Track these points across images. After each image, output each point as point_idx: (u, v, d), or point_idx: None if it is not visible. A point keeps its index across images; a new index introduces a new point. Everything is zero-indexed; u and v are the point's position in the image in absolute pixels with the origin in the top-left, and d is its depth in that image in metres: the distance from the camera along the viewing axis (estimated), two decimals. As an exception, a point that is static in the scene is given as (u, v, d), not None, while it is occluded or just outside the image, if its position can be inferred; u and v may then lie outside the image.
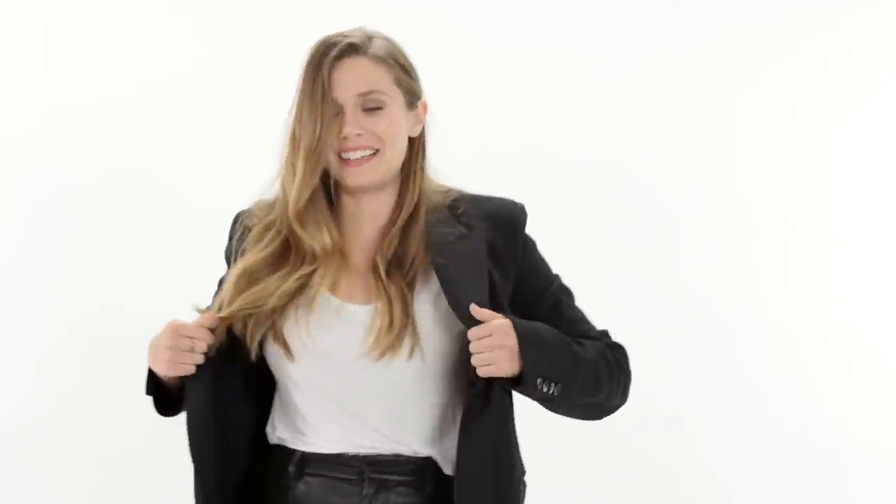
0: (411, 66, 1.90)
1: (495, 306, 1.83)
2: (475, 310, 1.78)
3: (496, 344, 1.77)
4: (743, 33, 3.48)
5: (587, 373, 1.85)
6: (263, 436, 1.92)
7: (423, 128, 1.92)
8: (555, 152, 3.45)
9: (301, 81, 1.83)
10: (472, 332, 1.78)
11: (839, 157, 3.50)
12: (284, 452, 1.88)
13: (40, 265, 3.33)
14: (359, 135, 1.82)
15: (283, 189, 1.85)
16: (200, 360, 1.82)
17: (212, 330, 1.83)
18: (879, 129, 3.49)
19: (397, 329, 1.81)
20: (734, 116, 3.49)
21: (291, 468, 1.87)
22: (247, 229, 1.90)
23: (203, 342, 1.81)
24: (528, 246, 1.94)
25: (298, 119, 1.83)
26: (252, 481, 1.90)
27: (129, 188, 3.35)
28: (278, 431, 1.90)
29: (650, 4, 3.48)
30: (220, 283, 1.97)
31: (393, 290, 1.84)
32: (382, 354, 1.81)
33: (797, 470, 3.43)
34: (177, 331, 1.81)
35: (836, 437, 3.44)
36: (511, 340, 1.78)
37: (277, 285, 1.83)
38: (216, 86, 3.38)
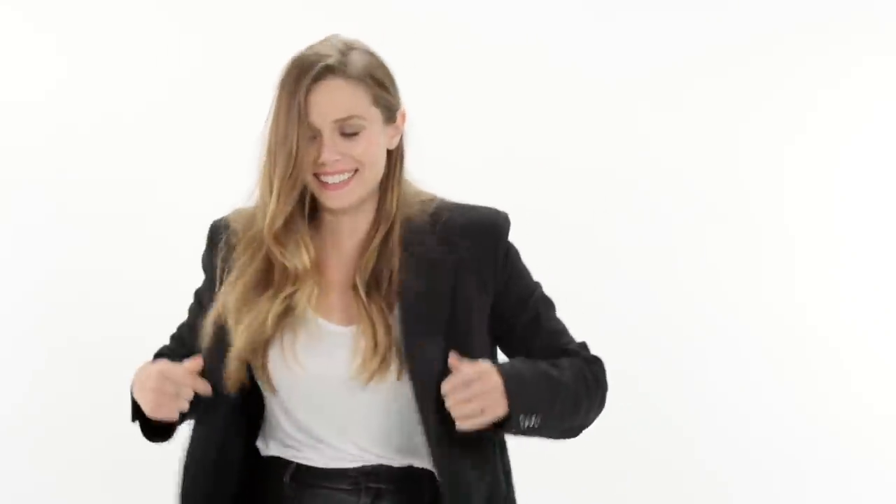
0: (390, 77, 1.86)
1: (459, 333, 1.81)
2: (454, 364, 1.74)
3: (486, 388, 1.73)
4: (747, 43, 3.47)
5: (566, 398, 1.83)
6: (256, 444, 1.91)
7: (402, 138, 1.89)
8: (558, 158, 3.44)
9: (276, 101, 1.81)
10: (449, 385, 1.73)
11: (840, 160, 3.49)
12: (279, 463, 1.87)
13: (38, 271, 3.32)
14: (337, 160, 1.80)
15: (263, 203, 1.83)
16: (185, 406, 1.80)
17: (206, 376, 1.81)
18: (880, 136, 3.48)
19: (382, 352, 1.80)
20: (736, 121, 3.47)
21: (287, 479, 1.86)
22: (231, 248, 1.88)
23: (189, 388, 1.79)
24: (511, 256, 1.91)
25: (274, 139, 1.80)
26: (247, 491, 1.88)
27: (131, 194, 3.33)
28: (270, 449, 1.89)
29: (652, 10, 3.47)
30: (197, 294, 1.97)
31: (374, 311, 1.82)
32: (370, 379, 1.80)
33: (797, 470, 3.43)
34: (162, 375, 1.79)
35: (835, 438, 3.44)
36: (497, 381, 1.74)
37: (267, 308, 1.82)
38: (219, 98, 3.34)
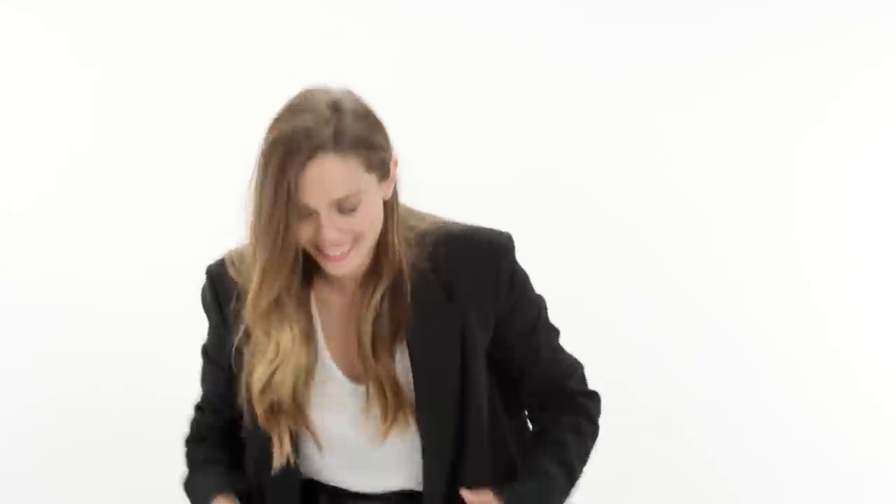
0: (381, 131, 1.72)
1: (470, 377, 1.81)
2: (467, 497, 1.76)
3: None
4: (756, 45, 3.45)
5: (574, 485, 1.88)
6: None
7: (395, 186, 1.77)
8: (562, 159, 3.42)
9: (260, 179, 1.66)
10: None
11: (851, 163, 3.46)
12: (314, 482, 1.89)
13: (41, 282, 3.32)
14: (336, 236, 1.69)
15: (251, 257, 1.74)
16: None
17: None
18: (892, 139, 3.48)
19: (393, 413, 1.78)
20: (746, 124, 3.45)
21: (324, 498, 1.89)
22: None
23: None
24: (517, 280, 1.85)
25: (258, 221, 1.67)
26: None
27: (144, 197, 3.32)
28: (306, 475, 1.89)
29: (658, 10, 3.46)
30: (205, 352, 1.93)
31: (381, 371, 1.78)
32: (385, 437, 1.80)
33: (798, 470, 3.43)
34: None
35: (837, 437, 3.44)
36: None
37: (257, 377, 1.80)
38: (231, 113, 3.33)
